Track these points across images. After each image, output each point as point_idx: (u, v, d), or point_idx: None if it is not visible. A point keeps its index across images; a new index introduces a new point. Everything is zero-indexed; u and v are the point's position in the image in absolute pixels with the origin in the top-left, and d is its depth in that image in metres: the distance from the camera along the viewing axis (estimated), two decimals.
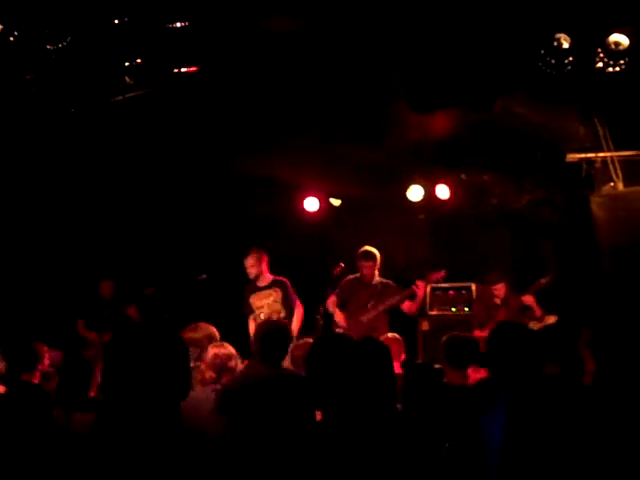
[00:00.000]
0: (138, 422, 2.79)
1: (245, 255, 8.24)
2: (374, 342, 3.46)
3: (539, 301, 8.26)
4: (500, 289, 8.58)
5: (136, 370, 2.79)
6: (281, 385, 4.77)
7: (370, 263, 8.30)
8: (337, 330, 8.31)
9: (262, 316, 8.07)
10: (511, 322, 5.19)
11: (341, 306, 8.40)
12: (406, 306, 8.36)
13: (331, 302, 8.40)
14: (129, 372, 2.80)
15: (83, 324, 9.35)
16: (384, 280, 8.43)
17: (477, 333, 8.39)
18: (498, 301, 8.64)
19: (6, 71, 7.53)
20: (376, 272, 8.37)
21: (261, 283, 8.27)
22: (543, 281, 8.35)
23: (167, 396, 2.83)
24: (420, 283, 8.29)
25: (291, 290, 8.20)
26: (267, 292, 8.21)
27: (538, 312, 8.20)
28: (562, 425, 3.72)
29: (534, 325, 7.75)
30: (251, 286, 8.28)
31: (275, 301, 8.17)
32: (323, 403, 3.35)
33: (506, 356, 4.12)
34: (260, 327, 5.77)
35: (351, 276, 8.52)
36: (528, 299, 8.16)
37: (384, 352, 3.39)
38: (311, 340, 6.29)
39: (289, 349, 5.87)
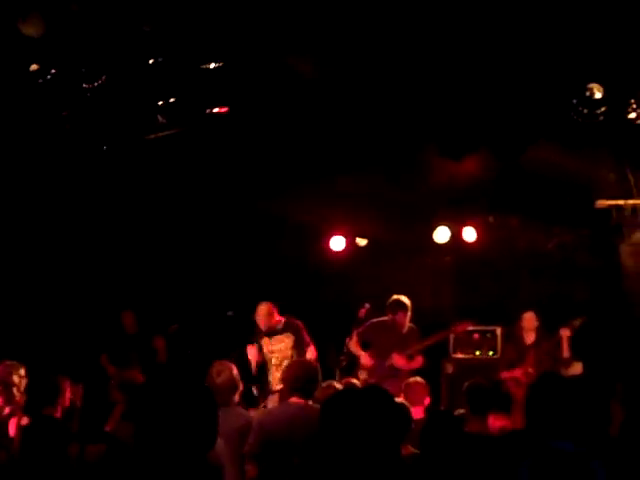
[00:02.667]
0: (164, 470, 2.83)
1: (255, 310, 8.18)
2: (378, 391, 3.46)
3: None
4: (531, 329, 8.52)
5: (164, 421, 2.83)
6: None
7: (403, 313, 8.32)
8: (360, 372, 8.28)
9: (273, 361, 8.05)
10: (554, 374, 5.13)
11: (363, 347, 8.40)
12: (396, 359, 8.33)
13: (354, 343, 8.38)
14: (158, 422, 2.84)
15: (107, 358, 9.37)
16: (411, 325, 8.43)
17: (505, 374, 8.35)
18: (528, 342, 8.55)
19: (42, 109, 7.67)
20: (407, 320, 8.38)
21: (274, 329, 8.19)
22: (576, 322, 8.32)
23: (193, 447, 2.87)
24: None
25: (304, 334, 8.07)
26: (279, 337, 8.12)
27: (566, 353, 8.16)
28: None
29: (563, 371, 7.72)
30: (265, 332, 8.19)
31: (287, 347, 8.07)
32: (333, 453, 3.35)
33: (548, 408, 4.08)
34: (294, 366, 5.93)
35: (377, 320, 8.50)
36: (565, 333, 8.14)
37: (387, 402, 3.38)
38: (335, 384, 6.30)
39: None
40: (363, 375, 8.27)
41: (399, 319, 8.33)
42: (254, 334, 8.10)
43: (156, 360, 9.29)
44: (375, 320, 8.51)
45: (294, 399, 5.60)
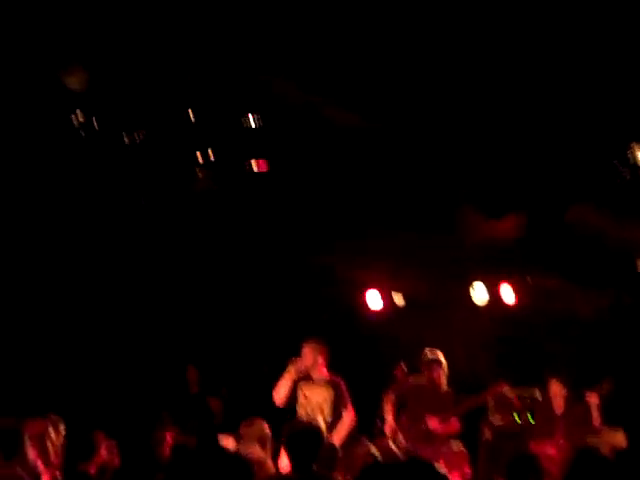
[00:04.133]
0: None
1: (303, 345, 7.96)
2: (422, 467, 3.35)
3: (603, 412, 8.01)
4: (560, 398, 8.23)
5: None
6: None
7: (438, 368, 8.12)
8: (396, 434, 8.10)
9: (307, 410, 7.75)
10: (593, 451, 4.96)
11: (400, 408, 8.19)
12: (433, 423, 8.13)
13: (388, 404, 8.18)
14: None
15: (168, 416, 9.11)
16: (448, 389, 8.24)
17: (533, 447, 8.04)
18: (559, 412, 8.26)
19: (85, 161, 7.76)
20: (444, 377, 8.18)
21: (316, 376, 7.92)
22: (605, 387, 8.07)
23: None
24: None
25: (345, 393, 7.77)
26: (320, 389, 7.87)
27: (597, 420, 7.88)
28: None
29: (593, 440, 7.44)
30: (305, 375, 7.99)
31: (325, 401, 7.80)
32: None
33: None
34: (290, 427, 5.61)
35: (413, 381, 8.32)
36: (594, 399, 7.86)
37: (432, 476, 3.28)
38: (371, 448, 6.15)
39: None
40: (398, 438, 8.07)
41: (435, 375, 8.14)
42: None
43: (214, 423, 9.11)
44: (412, 381, 8.34)
45: None
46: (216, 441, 2.86)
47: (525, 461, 5.65)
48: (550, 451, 7.53)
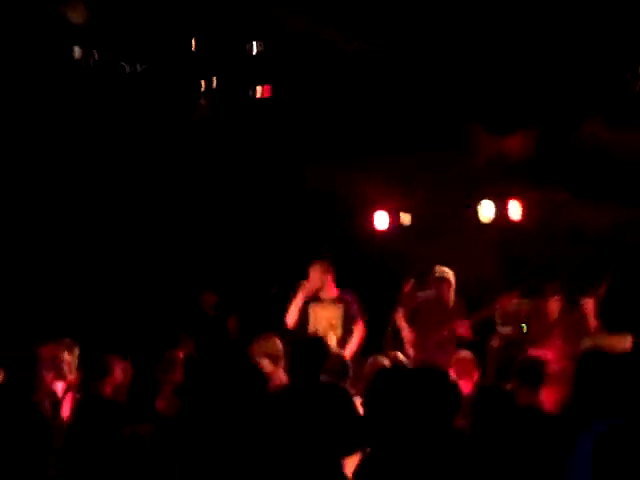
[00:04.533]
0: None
1: (310, 266, 8.06)
2: (433, 373, 3.43)
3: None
4: (557, 303, 8.31)
5: (213, 396, 2.85)
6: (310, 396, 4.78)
7: (447, 286, 8.23)
8: (407, 347, 8.24)
9: (319, 327, 7.89)
10: (597, 351, 5.03)
11: (410, 322, 8.32)
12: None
13: (400, 317, 8.32)
14: (208, 392, 2.86)
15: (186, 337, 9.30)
16: (457, 300, 8.35)
17: (531, 352, 8.15)
18: (555, 316, 8.34)
19: (86, 93, 7.77)
20: (452, 293, 8.29)
21: (325, 295, 8.02)
22: (601, 290, 8.12)
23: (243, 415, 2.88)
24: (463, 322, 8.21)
25: (355, 307, 7.84)
26: (329, 306, 7.99)
27: (594, 322, 7.95)
28: None
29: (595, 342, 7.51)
30: (315, 295, 7.89)
31: (336, 317, 7.93)
32: (379, 435, 3.35)
33: (594, 386, 4.01)
34: (293, 340, 5.72)
35: (423, 294, 8.43)
36: (588, 304, 7.93)
37: (444, 382, 3.36)
38: (381, 360, 6.26)
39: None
40: (410, 350, 8.22)
41: (443, 292, 8.26)
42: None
43: (230, 339, 9.30)
44: (421, 295, 8.45)
45: None
46: (230, 353, 2.93)
47: (530, 364, 5.78)
48: (548, 355, 7.64)
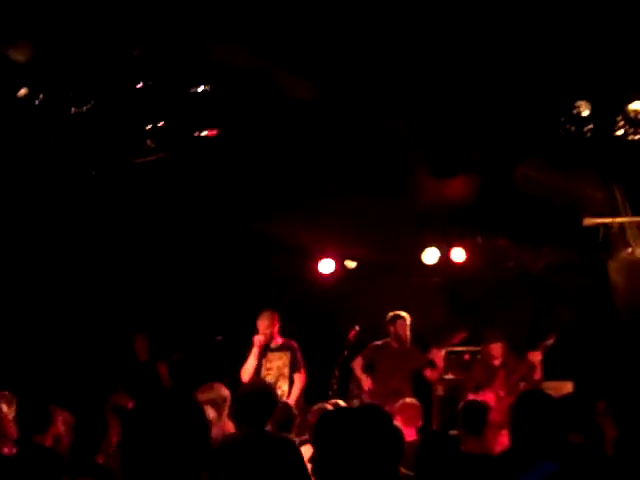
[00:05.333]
0: None
1: (259, 316, 8.17)
2: (375, 410, 3.43)
3: (548, 365, 8.20)
4: (497, 349, 8.46)
5: (156, 440, 2.78)
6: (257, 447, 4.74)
7: (402, 323, 8.45)
8: (359, 393, 8.29)
9: (269, 378, 7.99)
10: (535, 390, 5.14)
11: (366, 370, 8.45)
12: (428, 373, 8.42)
13: (357, 365, 8.46)
14: (149, 441, 2.79)
15: (121, 387, 9.17)
16: (412, 345, 8.52)
17: (471, 396, 8.26)
18: (497, 363, 8.49)
19: (30, 133, 7.66)
20: (408, 332, 8.47)
21: (273, 344, 8.19)
22: (549, 341, 8.31)
23: (187, 464, 2.82)
24: (435, 350, 8.32)
25: (299, 355, 8.11)
26: (278, 354, 8.12)
27: (538, 375, 8.13)
28: None
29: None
30: (264, 346, 8.16)
31: (285, 365, 8.08)
32: (328, 474, 3.32)
33: (532, 425, 4.07)
34: (243, 388, 5.71)
35: (378, 342, 8.56)
36: (536, 356, 8.11)
37: (384, 421, 3.36)
38: (327, 406, 6.26)
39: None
40: (365, 397, 8.28)
41: (400, 329, 8.42)
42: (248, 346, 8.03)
43: (161, 386, 9.18)
44: (378, 342, 8.58)
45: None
46: (164, 401, 2.86)
47: (479, 405, 5.84)
48: (489, 401, 7.75)
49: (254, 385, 5.77)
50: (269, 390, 5.40)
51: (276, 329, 8.14)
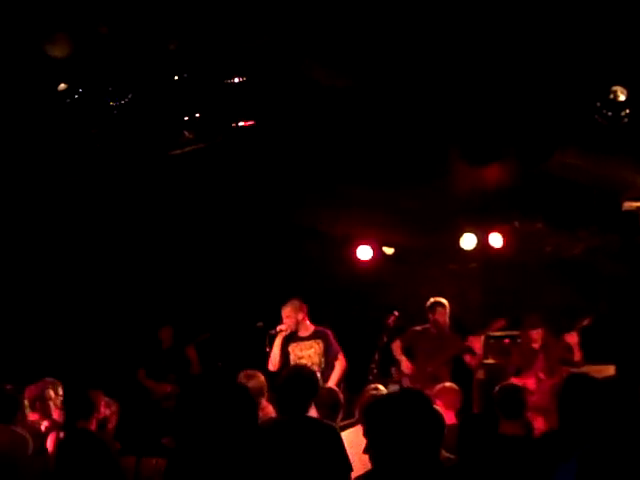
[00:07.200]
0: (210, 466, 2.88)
1: (283, 305, 8.13)
2: (416, 395, 3.47)
3: (589, 348, 8.18)
4: (537, 334, 8.44)
5: (206, 421, 2.88)
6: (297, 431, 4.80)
7: (442, 311, 8.47)
8: (402, 378, 8.35)
9: None
10: (581, 374, 5.13)
11: (407, 354, 8.50)
12: (468, 359, 8.45)
13: (397, 347, 8.49)
14: (200, 423, 2.89)
15: (144, 373, 9.45)
16: (451, 331, 8.55)
17: (514, 380, 8.28)
18: (536, 347, 8.47)
19: (71, 127, 7.80)
20: (447, 318, 8.50)
21: (302, 333, 8.05)
22: (585, 322, 8.29)
23: (235, 443, 2.91)
24: (473, 338, 8.33)
25: (333, 342, 7.96)
26: (309, 343, 8.03)
27: (578, 355, 8.10)
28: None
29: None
30: (292, 335, 8.04)
31: (316, 353, 7.99)
32: (377, 455, 3.39)
33: (579, 408, 4.09)
34: (284, 373, 5.70)
35: (417, 327, 8.60)
36: (572, 338, 8.09)
37: (425, 405, 3.41)
38: (373, 390, 6.29)
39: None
40: (405, 382, 8.34)
41: (439, 317, 8.47)
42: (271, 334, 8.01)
43: (190, 371, 9.35)
44: (418, 327, 8.62)
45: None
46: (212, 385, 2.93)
47: (515, 388, 5.86)
48: (530, 384, 7.76)
49: (295, 370, 5.80)
50: (310, 375, 5.40)
51: (301, 317, 8.01)
